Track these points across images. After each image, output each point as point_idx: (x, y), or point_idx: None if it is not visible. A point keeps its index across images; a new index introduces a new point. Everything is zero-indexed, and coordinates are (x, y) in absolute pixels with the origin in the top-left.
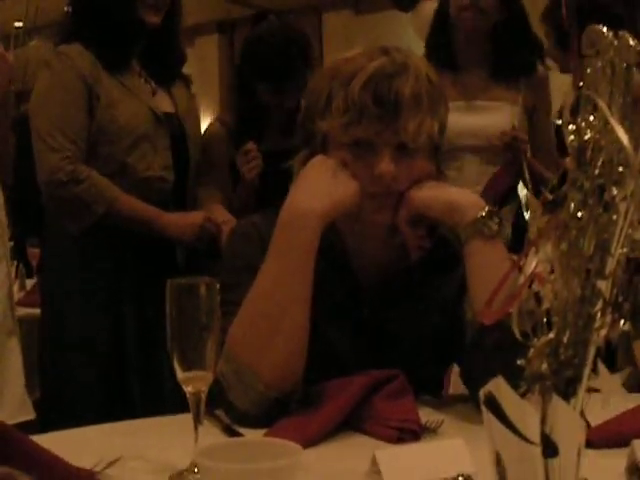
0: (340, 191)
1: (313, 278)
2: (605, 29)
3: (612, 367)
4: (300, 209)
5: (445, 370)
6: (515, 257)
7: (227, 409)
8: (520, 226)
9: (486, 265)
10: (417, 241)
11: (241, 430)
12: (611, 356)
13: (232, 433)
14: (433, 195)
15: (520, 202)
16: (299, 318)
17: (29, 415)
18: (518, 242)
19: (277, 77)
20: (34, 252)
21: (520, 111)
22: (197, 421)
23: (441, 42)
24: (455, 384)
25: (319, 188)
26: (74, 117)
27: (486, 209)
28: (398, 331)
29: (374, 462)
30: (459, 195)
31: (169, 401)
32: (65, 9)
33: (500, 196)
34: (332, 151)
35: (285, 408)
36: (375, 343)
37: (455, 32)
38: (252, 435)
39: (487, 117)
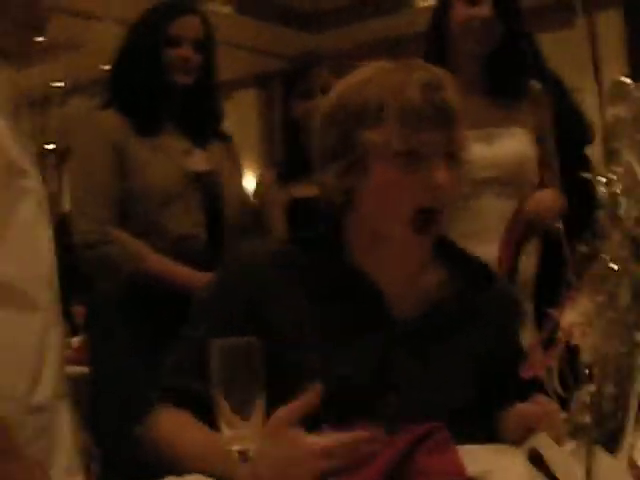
0: None
1: (338, 317)
2: (627, 80)
3: None
4: None
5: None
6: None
7: None
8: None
9: None
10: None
11: None
12: None
13: None
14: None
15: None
16: None
17: (76, 476)
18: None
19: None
20: (78, 310)
21: (530, 135)
22: None
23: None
24: None
25: None
26: (104, 183)
27: None
28: (440, 371)
29: None
30: None
31: None
32: (102, 67)
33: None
34: (376, 163)
35: None
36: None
37: (452, 54)
38: None
39: (503, 145)
